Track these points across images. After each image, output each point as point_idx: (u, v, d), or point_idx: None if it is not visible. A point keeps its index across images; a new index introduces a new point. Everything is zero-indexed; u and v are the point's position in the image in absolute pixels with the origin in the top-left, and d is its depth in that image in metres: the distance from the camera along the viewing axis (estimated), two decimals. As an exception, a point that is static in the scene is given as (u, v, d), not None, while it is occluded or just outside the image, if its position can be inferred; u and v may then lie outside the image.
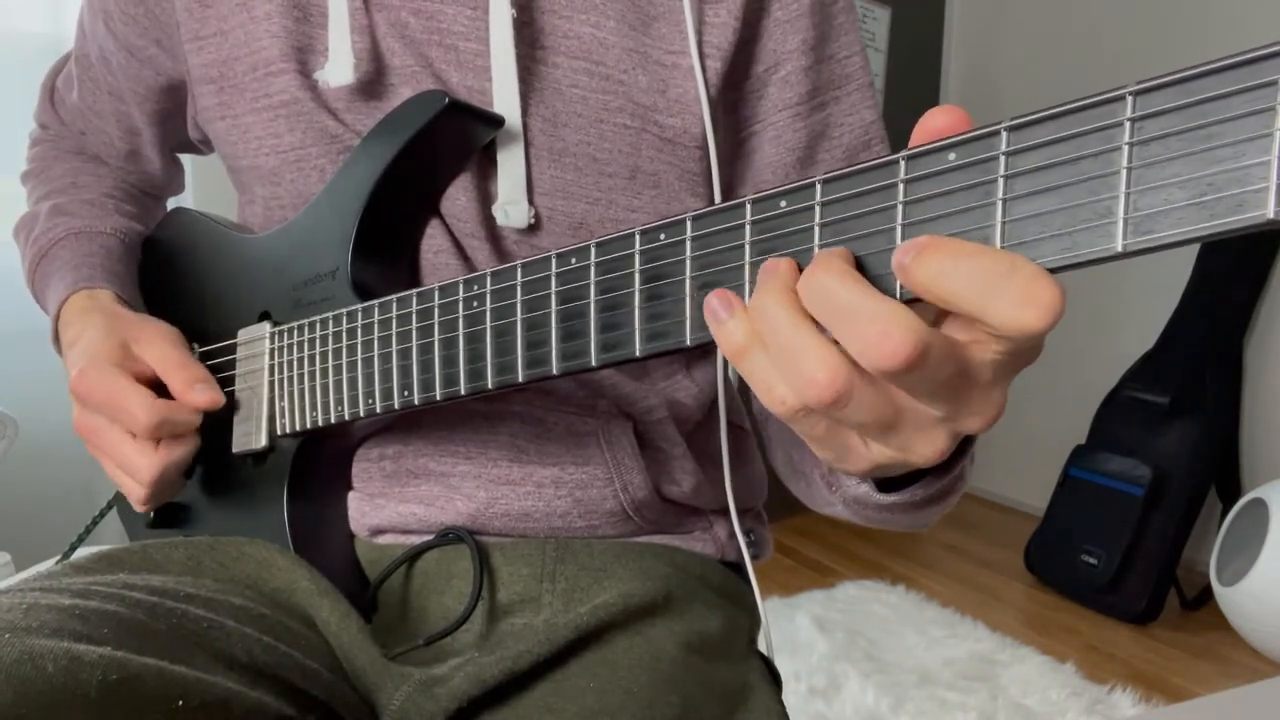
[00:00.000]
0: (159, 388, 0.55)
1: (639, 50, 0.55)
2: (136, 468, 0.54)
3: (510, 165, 0.54)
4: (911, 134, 0.31)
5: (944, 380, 0.29)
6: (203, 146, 0.68)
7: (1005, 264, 0.27)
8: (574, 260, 0.39)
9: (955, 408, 0.31)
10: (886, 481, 0.43)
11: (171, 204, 0.76)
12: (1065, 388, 2.61)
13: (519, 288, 0.42)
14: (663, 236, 0.36)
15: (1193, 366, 2.18)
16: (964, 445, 0.41)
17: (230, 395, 0.59)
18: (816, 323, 0.30)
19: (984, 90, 2.91)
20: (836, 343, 0.30)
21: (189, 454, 0.56)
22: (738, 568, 0.64)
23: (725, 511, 0.62)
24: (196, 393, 0.54)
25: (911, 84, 2.89)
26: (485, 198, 0.55)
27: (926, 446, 0.33)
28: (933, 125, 0.30)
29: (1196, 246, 2.27)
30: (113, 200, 0.70)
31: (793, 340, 0.30)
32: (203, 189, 1.61)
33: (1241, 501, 1.94)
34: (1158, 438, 2.14)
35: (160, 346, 0.56)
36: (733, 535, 0.63)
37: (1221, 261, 2.22)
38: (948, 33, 3.00)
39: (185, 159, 0.76)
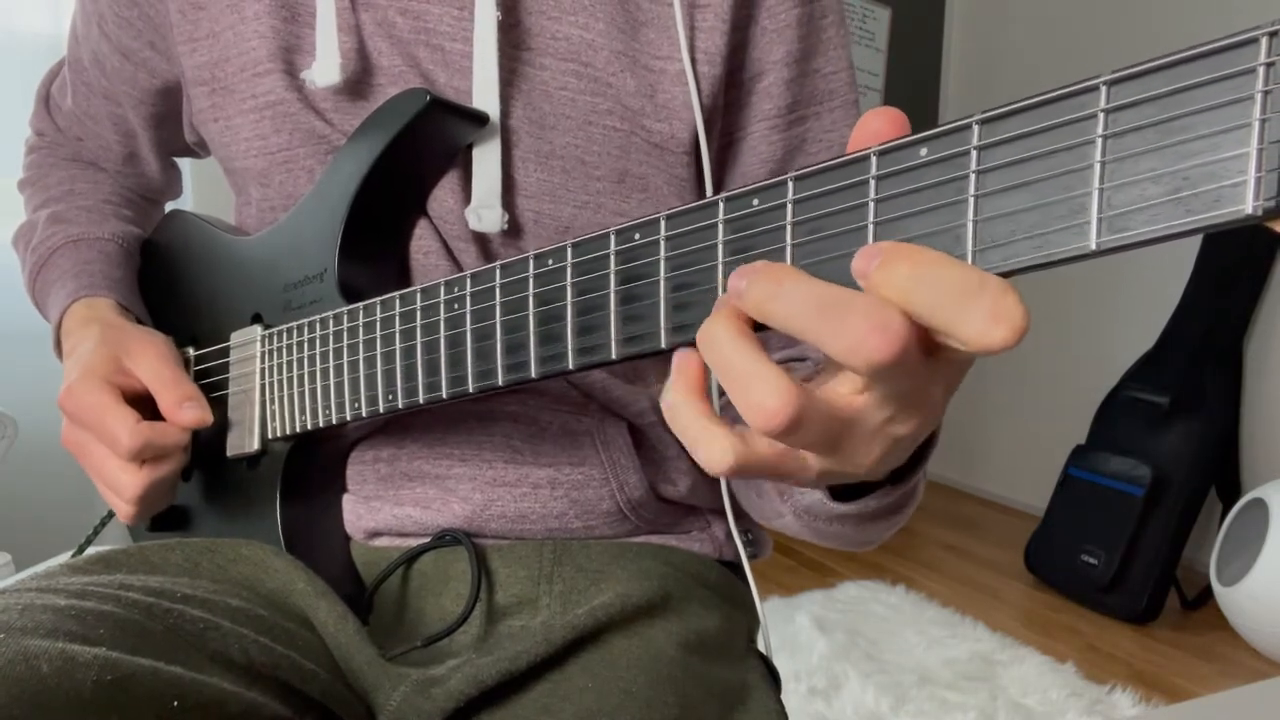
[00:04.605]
0: (150, 402, 0.55)
1: (627, 54, 0.55)
2: (121, 486, 0.54)
3: (486, 168, 0.53)
4: (850, 139, 0.30)
5: (905, 388, 0.29)
6: (199, 149, 0.68)
7: (975, 279, 0.26)
8: (550, 261, 0.39)
9: (899, 407, 0.31)
10: (840, 492, 0.43)
11: (169, 207, 0.76)
12: (1065, 388, 2.61)
13: (498, 289, 0.41)
14: (638, 236, 0.36)
15: (1193, 366, 2.17)
16: (919, 457, 0.40)
17: (224, 399, 0.59)
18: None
19: (984, 91, 2.91)
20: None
21: (175, 471, 0.56)
22: (736, 567, 0.64)
23: (723, 511, 0.61)
24: (185, 411, 0.54)
25: (911, 84, 2.89)
26: (469, 201, 0.55)
27: (864, 456, 0.32)
28: (870, 128, 0.30)
29: (1197, 247, 2.27)
30: (110, 205, 0.70)
31: (745, 368, 0.29)
32: (201, 192, 1.61)
33: (1241, 501, 1.93)
34: (1158, 438, 2.13)
35: (152, 361, 0.56)
36: (730, 535, 0.63)
37: (1221, 262, 2.22)
38: (948, 33, 3.00)
39: (183, 162, 0.76)
